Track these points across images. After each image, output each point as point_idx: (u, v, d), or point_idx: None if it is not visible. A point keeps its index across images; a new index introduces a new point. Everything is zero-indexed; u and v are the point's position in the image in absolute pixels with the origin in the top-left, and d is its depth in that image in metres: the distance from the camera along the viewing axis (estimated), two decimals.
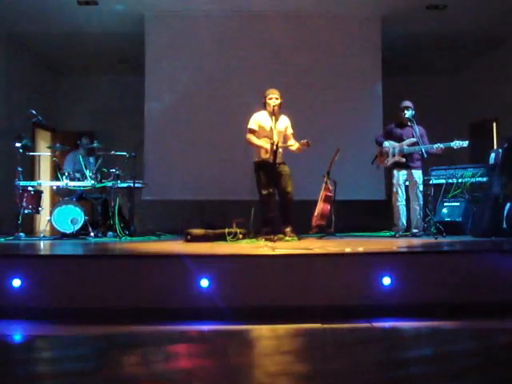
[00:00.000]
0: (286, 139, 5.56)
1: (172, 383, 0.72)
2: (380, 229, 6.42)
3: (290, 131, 5.58)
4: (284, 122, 5.54)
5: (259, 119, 5.49)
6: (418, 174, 5.78)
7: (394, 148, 5.85)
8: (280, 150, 5.34)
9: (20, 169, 5.85)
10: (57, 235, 6.03)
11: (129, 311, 3.12)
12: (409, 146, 5.75)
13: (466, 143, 5.47)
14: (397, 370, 0.80)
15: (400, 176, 5.85)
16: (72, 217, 5.82)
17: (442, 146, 5.49)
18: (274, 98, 5.37)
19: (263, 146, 5.36)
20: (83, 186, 6.07)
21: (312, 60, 7.45)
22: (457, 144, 5.46)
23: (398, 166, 5.84)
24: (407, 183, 5.89)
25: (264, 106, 5.48)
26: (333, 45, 7.59)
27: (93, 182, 5.99)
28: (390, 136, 5.97)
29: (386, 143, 5.92)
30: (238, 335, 1.05)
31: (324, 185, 5.75)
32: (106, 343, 0.95)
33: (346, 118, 7.46)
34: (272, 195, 5.35)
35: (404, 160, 5.78)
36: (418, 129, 5.64)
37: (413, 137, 5.69)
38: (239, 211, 5.30)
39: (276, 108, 5.37)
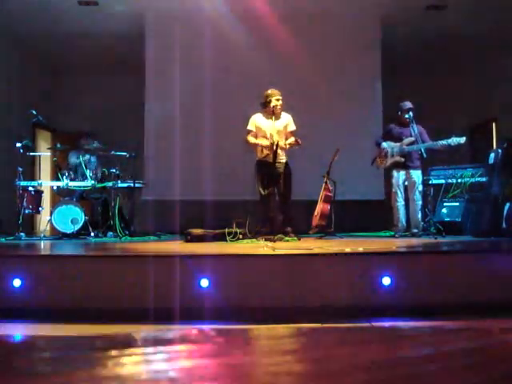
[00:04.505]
0: (287, 138, 5.54)
1: (172, 383, 0.72)
2: (380, 229, 6.43)
3: (290, 129, 5.54)
4: (284, 121, 5.53)
5: (257, 120, 5.52)
6: (416, 174, 5.78)
7: (392, 148, 5.86)
8: (280, 150, 5.35)
9: (20, 169, 5.86)
10: (57, 235, 6.03)
11: (129, 311, 3.12)
12: (407, 145, 5.75)
13: (463, 139, 5.45)
14: (397, 369, 0.80)
15: (399, 176, 5.86)
16: (72, 217, 5.82)
17: (445, 142, 5.48)
18: (280, 99, 5.41)
19: (260, 144, 5.39)
20: (83, 186, 6.07)
21: (312, 60, 7.45)
22: (454, 141, 5.45)
23: (397, 166, 5.85)
24: (406, 183, 5.89)
25: (263, 106, 5.48)
26: (333, 45, 7.59)
27: (93, 182, 5.99)
28: (389, 136, 5.98)
29: (385, 144, 5.92)
30: (237, 335, 1.05)
31: (324, 185, 5.75)
32: (106, 343, 0.95)
33: (346, 118, 7.46)
34: (272, 195, 5.37)
35: (403, 160, 5.78)
36: (416, 128, 5.65)
37: (411, 136, 5.70)
38: (239, 211, 5.31)
39: (279, 109, 5.41)
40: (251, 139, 5.50)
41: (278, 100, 5.41)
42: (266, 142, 5.37)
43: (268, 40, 7.35)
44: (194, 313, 3.08)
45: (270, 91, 5.46)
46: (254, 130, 5.52)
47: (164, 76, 7.48)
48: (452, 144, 5.44)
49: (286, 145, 5.39)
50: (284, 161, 5.50)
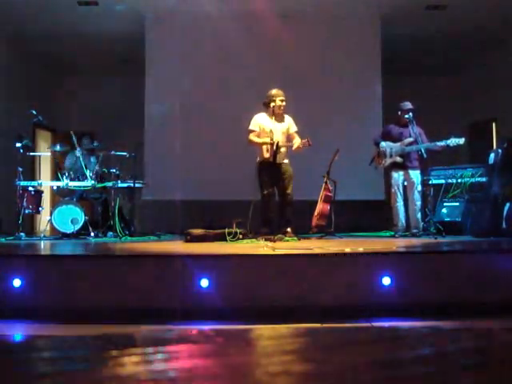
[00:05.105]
0: (290, 139, 5.56)
1: (172, 383, 0.72)
2: (380, 229, 6.42)
3: (293, 130, 5.57)
4: (286, 122, 5.56)
5: (260, 120, 5.51)
6: (415, 175, 5.78)
7: (391, 148, 5.85)
8: (282, 149, 5.37)
9: (20, 169, 5.85)
10: (57, 235, 6.03)
11: (129, 311, 3.12)
12: (407, 145, 5.75)
13: (462, 140, 5.45)
14: (397, 370, 0.80)
15: (398, 177, 5.86)
16: (72, 217, 5.82)
17: (443, 143, 5.48)
18: (284, 99, 5.42)
19: (265, 143, 5.37)
20: (83, 186, 6.07)
21: (312, 60, 7.45)
22: (453, 142, 5.45)
23: (396, 166, 5.84)
24: (405, 183, 5.89)
25: (266, 106, 5.48)
26: (333, 45, 7.59)
27: (93, 181, 5.99)
28: (388, 135, 5.97)
29: (383, 144, 5.92)
30: (238, 335, 1.05)
31: (324, 185, 5.75)
32: (106, 343, 0.95)
33: (346, 117, 7.46)
34: (272, 195, 5.37)
35: (401, 160, 5.78)
36: (416, 128, 5.65)
37: (410, 136, 5.70)
38: (239, 211, 5.31)
39: (282, 110, 5.42)
40: (255, 138, 5.49)
41: (282, 101, 5.43)
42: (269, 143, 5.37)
43: (268, 40, 7.35)
44: (194, 313, 3.08)
45: (274, 91, 5.45)
46: (257, 129, 5.51)
47: (164, 76, 7.48)
48: (451, 145, 5.44)
49: (300, 144, 5.36)
50: (287, 161, 5.52)
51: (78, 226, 5.80)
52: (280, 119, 5.50)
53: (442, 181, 6.46)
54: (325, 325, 2.87)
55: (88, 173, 6.03)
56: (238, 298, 3.21)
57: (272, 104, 5.39)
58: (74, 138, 6.31)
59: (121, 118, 8.84)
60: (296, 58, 7.39)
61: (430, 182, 6.43)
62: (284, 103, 5.44)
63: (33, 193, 6.00)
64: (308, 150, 5.48)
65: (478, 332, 1.08)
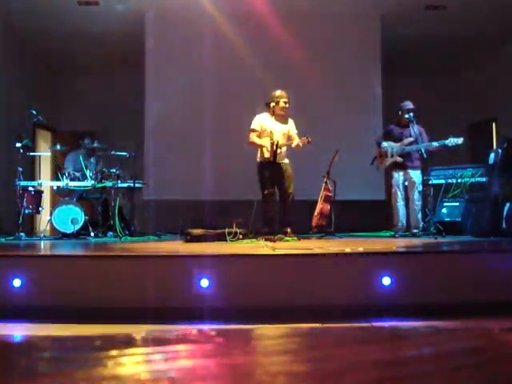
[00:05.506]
0: (289, 139, 5.59)
1: (172, 383, 0.72)
2: (380, 229, 6.42)
3: (293, 131, 5.61)
4: (288, 124, 5.60)
5: (261, 121, 5.52)
6: (416, 174, 5.78)
7: (392, 148, 5.85)
8: (282, 149, 5.37)
9: (20, 169, 5.85)
10: (57, 235, 6.03)
11: (129, 311, 3.12)
12: (407, 145, 5.75)
13: (460, 140, 5.44)
14: (397, 369, 0.80)
15: (399, 177, 5.86)
16: (72, 217, 5.82)
17: (437, 144, 5.49)
18: (287, 101, 5.46)
19: (264, 145, 5.39)
20: (83, 186, 6.07)
21: (312, 60, 7.45)
22: (451, 142, 5.44)
23: (397, 166, 5.84)
24: (406, 183, 5.89)
25: (267, 106, 5.49)
26: (333, 45, 7.59)
27: (93, 181, 5.99)
28: (389, 136, 5.98)
29: (385, 144, 5.92)
30: (238, 335, 1.05)
31: (324, 185, 5.75)
32: (106, 343, 0.95)
33: (346, 117, 7.46)
34: (273, 195, 5.38)
35: (402, 160, 5.78)
36: (416, 128, 5.65)
37: (411, 136, 5.70)
38: (239, 211, 5.31)
39: (286, 111, 5.44)
40: (256, 140, 5.50)
41: (285, 103, 5.46)
42: (269, 144, 5.38)
43: (268, 40, 7.35)
44: (194, 313, 3.08)
45: (278, 93, 5.47)
46: (258, 129, 5.52)
47: (164, 76, 7.48)
48: (449, 144, 5.44)
49: (299, 142, 5.39)
50: (287, 161, 5.53)
51: (78, 226, 5.80)
52: (282, 120, 5.53)
53: (442, 181, 6.46)
54: (325, 325, 2.87)
55: (88, 173, 6.04)
56: (238, 298, 3.21)
57: (272, 104, 5.41)
58: (88, 142, 6.34)
59: (121, 117, 8.84)
60: (296, 57, 7.39)
61: (430, 182, 6.42)
62: (287, 105, 5.47)
63: (33, 193, 6.00)
64: (308, 150, 5.48)
65: (478, 332, 1.08)
